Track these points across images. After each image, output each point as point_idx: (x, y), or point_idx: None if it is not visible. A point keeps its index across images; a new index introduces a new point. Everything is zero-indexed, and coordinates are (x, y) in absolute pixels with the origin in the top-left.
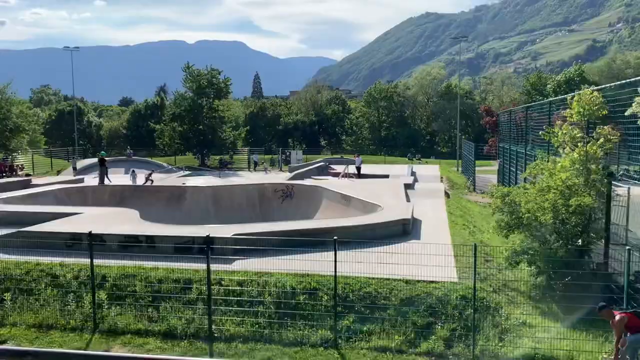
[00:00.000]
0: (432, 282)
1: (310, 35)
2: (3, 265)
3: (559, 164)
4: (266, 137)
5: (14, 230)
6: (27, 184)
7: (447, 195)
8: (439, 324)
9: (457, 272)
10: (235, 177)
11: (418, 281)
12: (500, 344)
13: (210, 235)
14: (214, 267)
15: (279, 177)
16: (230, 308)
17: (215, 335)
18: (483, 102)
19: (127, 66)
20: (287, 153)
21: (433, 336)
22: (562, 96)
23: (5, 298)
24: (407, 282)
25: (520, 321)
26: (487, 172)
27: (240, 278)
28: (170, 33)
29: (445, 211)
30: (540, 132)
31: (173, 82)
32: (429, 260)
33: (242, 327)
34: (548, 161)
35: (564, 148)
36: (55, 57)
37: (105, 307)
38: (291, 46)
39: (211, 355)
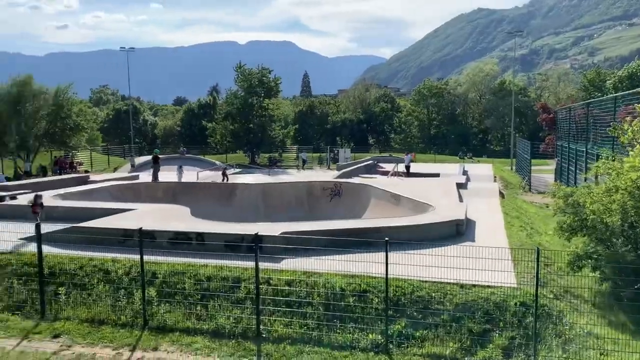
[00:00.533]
0: (488, 286)
1: (359, 34)
2: (58, 260)
3: (628, 164)
4: (315, 136)
5: (70, 225)
6: (85, 180)
7: (501, 195)
8: (497, 331)
9: (515, 277)
10: (284, 175)
11: (474, 285)
12: (564, 356)
13: (259, 234)
14: (262, 265)
15: (327, 175)
16: (279, 308)
17: (264, 335)
18: (538, 99)
19: (181, 66)
20: (335, 151)
21: (490, 344)
22: (630, 91)
23: (60, 292)
24: (461, 286)
25: (586, 331)
26: (543, 172)
27: (289, 277)
28: (222, 34)
29: (501, 212)
30: (607, 129)
31: (225, 82)
32: (485, 264)
33: (291, 328)
34: (614, 160)
35: (633, 146)
36: (113, 58)
37: (155, 304)
38: (340, 45)
39: (259, 357)
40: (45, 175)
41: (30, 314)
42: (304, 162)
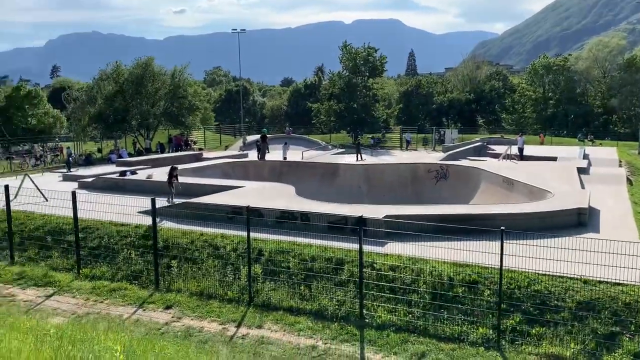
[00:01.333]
0: (617, 284)
1: (468, 9)
2: (172, 234)
3: None
4: (419, 116)
5: (183, 201)
6: (199, 157)
7: (629, 182)
8: (627, 335)
9: None
10: (387, 156)
11: (600, 282)
12: None
13: (363, 216)
14: (365, 248)
15: (432, 157)
16: (382, 293)
17: (367, 320)
18: None
19: (288, 47)
20: (441, 132)
21: (619, 349)
22: None
23: (173, 265)
24: (585, 282)
25: None
26: None
27: (393, 262)
28: (329, 14)
29: (628, 200)
30: None
31: (330, 62)
32: (613, 259)
33: (395, 315)
34: None
35: None
36: (225, 40)
37: (260, 281)
38: (448, 21)
39: (362, 343)
40: (163, 152)
41: (145, 284)
42: (408, 143)
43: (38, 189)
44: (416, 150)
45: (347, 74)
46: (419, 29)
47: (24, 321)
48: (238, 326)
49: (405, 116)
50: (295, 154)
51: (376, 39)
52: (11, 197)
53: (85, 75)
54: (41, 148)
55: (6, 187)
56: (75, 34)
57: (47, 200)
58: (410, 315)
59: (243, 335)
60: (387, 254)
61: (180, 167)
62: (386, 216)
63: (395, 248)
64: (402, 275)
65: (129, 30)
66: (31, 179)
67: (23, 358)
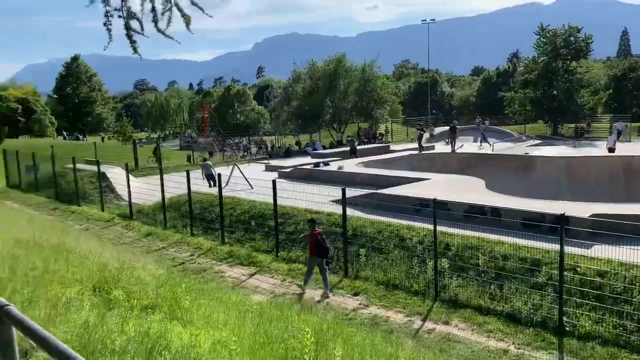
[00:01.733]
0: None
1: None
2: (360, 223)
3: None
4: (634, 102)
5: (370, 191)
6: (386, 150)
7: None
8: None
9: None
10: (592, 148)
11: None
12: None
13: (565, 214)
14: (567, 249)
15: None
16: (587, 301)
17: (567, 329)
18: None
19: (481, 35)
20: None
21: None
22: None
23: (361, 253)
24: None
25: None
26: None
27: (601, 267)
28: None
29: None
30: None
31: (527, 48)
32: None
33: (601, 326)
34: None
35: None
36: (415, 33)
37: (447, 276)
38: None
39: (561, 353)
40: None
41: (335, 270)
42: (619, 133)
43: (245, 177)
44: (630, 141)
45: (544, 58)
46: (637, 4)
47: (230, 296)
48: (424, 320)
49: (615, 103)
50: (484, 146)
51: (582, 19)
52: (223, 185)
53: (286, 74)
54: (248, 141)
55: (219, 176)
56: (277, 36)
57: (252, 187)
58: (621, 328)
59: (429, 330)
60: (593, 257)
61: (367, 159)
62: (593, 214)
63: (603, 251)
64: (611, 283)
65: (324, 29)
66: (239, 169)
67: (228, 329)
